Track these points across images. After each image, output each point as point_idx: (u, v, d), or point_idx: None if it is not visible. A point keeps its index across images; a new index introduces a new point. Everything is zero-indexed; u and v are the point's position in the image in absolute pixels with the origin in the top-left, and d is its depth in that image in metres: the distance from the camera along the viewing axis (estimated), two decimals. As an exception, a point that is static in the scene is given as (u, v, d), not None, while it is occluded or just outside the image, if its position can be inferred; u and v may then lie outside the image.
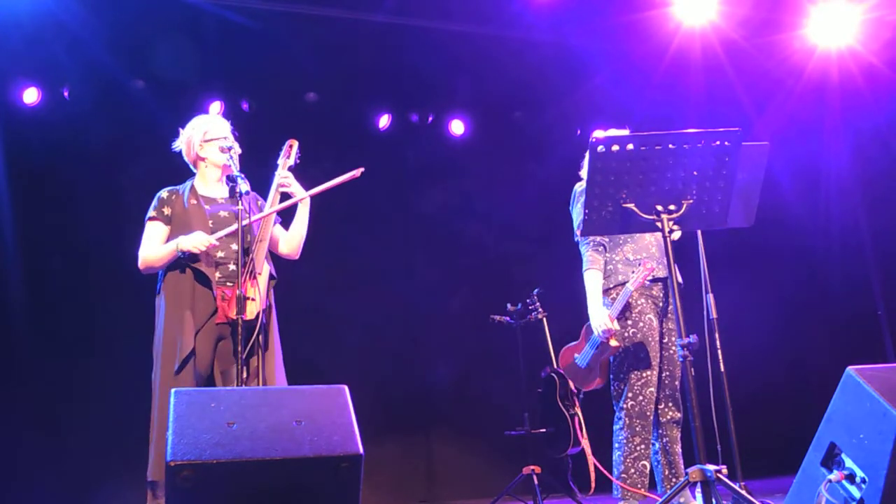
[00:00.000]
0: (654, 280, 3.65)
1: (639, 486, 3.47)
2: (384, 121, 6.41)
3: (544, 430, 4.98)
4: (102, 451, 5.08)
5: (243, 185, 3.19)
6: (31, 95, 5.48)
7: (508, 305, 5.14)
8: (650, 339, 3.53)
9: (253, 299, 3.15)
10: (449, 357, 6.24)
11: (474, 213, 6.61)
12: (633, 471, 3.48)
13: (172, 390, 2.40)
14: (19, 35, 5.12)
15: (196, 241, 3.19)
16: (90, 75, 5.51)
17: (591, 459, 4.60)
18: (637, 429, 3.50)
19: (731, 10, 5.75)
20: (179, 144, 3.53)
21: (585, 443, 4.77)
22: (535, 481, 4.62)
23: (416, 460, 6.23)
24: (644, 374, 3.53)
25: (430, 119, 6.53)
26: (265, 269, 3.32)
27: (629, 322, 3.58)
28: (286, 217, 3.52)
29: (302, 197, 3.39)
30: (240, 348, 3.03)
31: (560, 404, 4.95)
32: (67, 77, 5.52)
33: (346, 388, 2.55)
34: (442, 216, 6.59)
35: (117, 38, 5.31)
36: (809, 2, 5.86)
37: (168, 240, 3.31)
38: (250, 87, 6.00)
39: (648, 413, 3.51)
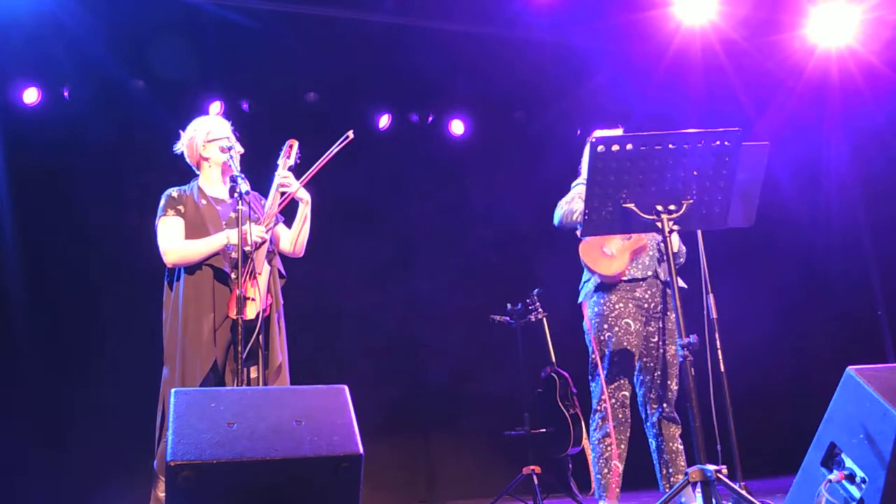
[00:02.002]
0: (635, 280, 3.62)
1: (613, 485, 3.50)
2: (384, 121, 6.41)
3: (544, 430, 4.99)
4: (103, 451, 5.08)
5: (243, 185, 3.18)
6: (31, 95, 5.48)
7: (508, 305, 5.14)
8: (625, 343, 3.53)
9: (253, 299, 3.15)
10: (449, 357, 6.24)
11: (474, 212, 6.61)
12: (605, 471, 3.51)
13: (172, 390, 2.40)
14: (19, 35, 5.12)
15: (256, 233, 3.19)
16: (90, 75, 5.51)
17: (591, 459, 4.61)
18: (608, 430, 3.52)
19: (731, 10, 5.75)
20: (181, 146, 3.51)
21: (586, 442, 4.78)
22: (535, 481, 4.62)
23: (415, 460, 6.23)
24: (617, 379, 3.54)
25: (430, 119, 6.53)
26: (265, 270, 3.32)
27: (605, 326, 3.58)
28: (289, 216, 3.52)
29: (297, 188, 3.36)
30: (240, 348, 3.03)
31: (560, 404, 4.95)
32: (67, 77, 5.52)
33: (346, 388, 2.55)
34: (442, 216, 6.59)
35: (117, 38, 5.31)
36: (809, 2, 5.86)
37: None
38: (250, 87, 6.00)
39: (621, 416, 3.53)
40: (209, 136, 3.45)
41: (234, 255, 3.24)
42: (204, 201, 3.36)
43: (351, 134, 3.33)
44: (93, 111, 5.57)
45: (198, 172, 3.51)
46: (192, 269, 3.24)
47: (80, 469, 5.12)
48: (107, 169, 5.61)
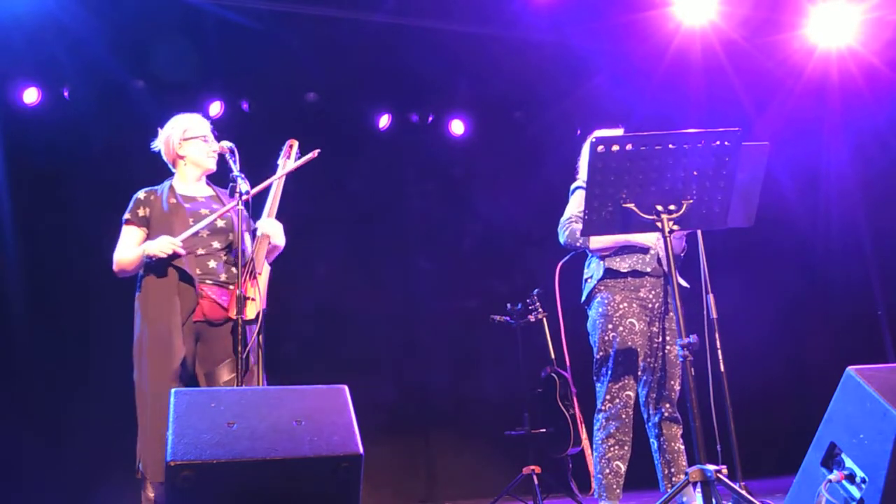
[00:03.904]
0: (639, 274, 3.61)
1: (613, 486, 3.50)
2: (384, 121, 6.41)
3: (544, 430, 4.99)
4: (102, 451, 5.08)
5: (243, 185, 3.17)
6: (31, 95, 5.49)
7: (508, 305, 5.15)
8: (630, 343, 3.52)
9: (253, 299, 3.15)
10: (449, 357, 6.25)
11: (474, 212, 6.61)
12: (607, 471, 3.51)
13: (172, 390, 2.40)
14: (20, 35, 5.12)
15: (161, 246, 3.14)
16: (90, 75, 5.51)
17: (590, 459, 4.61)
18: (611, 430, 3.51)
19: (731, 10, 5.75)
20: (158, 144, 3.49)
21: (586, 442, 4.78)
22: (535, 481, 4.62)
23: (415, 460, 6.24)
24: (622, 379, 3.53)
25: (430, 119, 6.53)
26: (265, 269, 3.31)
27: (609, 326, 3.57)
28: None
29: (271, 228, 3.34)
30: (240, 348, 3.02)
31: (560, 404, 4.95)
32: (67, 77, 5.52)
33: (346, 388, 2.55)
34: (442, 216, 6.59)
35: (117, 39, 5.31)
36: (809, 2, 5.86)
37: (146, 241, 3.26)
38: (250, 87, 6.00)
39: (624, 416, 3.51)
40: (186, 135, 3.42)
41: (199, 251, 3.22)
42: (173, 200, 3.32)
43: (315, 154, 3.33)
44: (93, 111, 5.57)
45: (173, 170, 3.48)
46: (156, 271, 3.21)
47: (80, 468, 5.12)
48: (107, 169, 5.61)
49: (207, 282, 3.23)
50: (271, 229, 3.36)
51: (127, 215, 3.33)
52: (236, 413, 2.36)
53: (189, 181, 3.44)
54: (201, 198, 3.40)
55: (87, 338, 5.42)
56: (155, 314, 3.16)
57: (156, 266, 3.20)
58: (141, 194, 3.36)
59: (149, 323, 3.16)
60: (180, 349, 3.12)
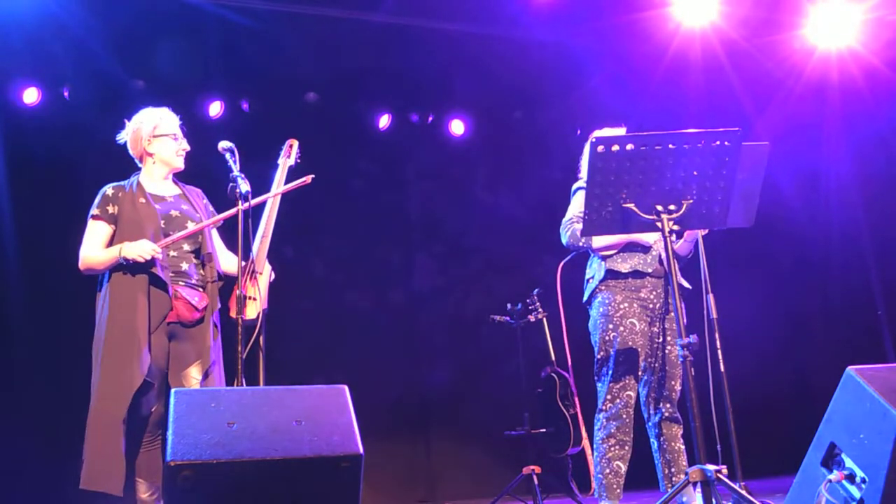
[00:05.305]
0: (640, 275, 3.61)
1: (614, 486, 3.50)
2: (384, 121, 6.41)
3: (544, 430, 4.99)
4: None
5: (244, 185, 3.16)
6: (31, 95, 5.48)
7: (508, 305, 5.15)
8: (630, 343, 3.53)
9: (253, 299, 3.14)
10: (449, 357, 6.25)
11: (474, 213, 6.61)
12: (607, 471, 3.51)
13: (172, 390, 2.40)
14: (20, 35, 5.12)
15: (140, 250, 3.05)
16: (90, 75, 5.51)
17: (590, 459, 4.61)
18: (612, 430, 3.52)
19: (731, 11, 5.75)
20: (125, 136, 3.40)
21: (586, 442, 4.78)
22: (535, 481, 4.62)
23: (416, 460, 6.24)
24: (623, 379, 3.53)
25: (430, 119, 6.53)
26: (266, 269, 3.31)
27: (610, 326, 3.57)
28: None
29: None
30: (240, 348, 3.02)
31: (560, 404, 4.95)
32: (67, 77, 5.52)
33: (346, 388, 2.55)
34: (442, 216, 6.59)
35: (118, 39, 5.31)
36: (809, 2, 5.86)
37: (112, 239, 3.18)
38: (250, 87, 6.00)
39: (625, 416, 3.52)
40: (156, 131, 3.34)
41: (171, 253, 3.18)
42: (143, 199, 3.23)
43: (309, 179, 3.29)
44: (93, 111, 5.56)
45: (140, 166, 3.40)
46: (121, 269, 3.12)
47: (78, 468, 5.12)
48: (107, 169, 5.55)
49: (180, 283, 3.19)
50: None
51: (95, 210, 3.22)
52: (236, 413, 2.36)
53: (156, 179, 3.35)
54: (170, 197, 3.32)
55: (88, 338, 5.40)
56: (120, 317, 3.07)
57: (125, 267, 3.11)
58: (109, 190, 3.26)
59: (113, 326, 3.07)
60: (146, 355, 3.03)
